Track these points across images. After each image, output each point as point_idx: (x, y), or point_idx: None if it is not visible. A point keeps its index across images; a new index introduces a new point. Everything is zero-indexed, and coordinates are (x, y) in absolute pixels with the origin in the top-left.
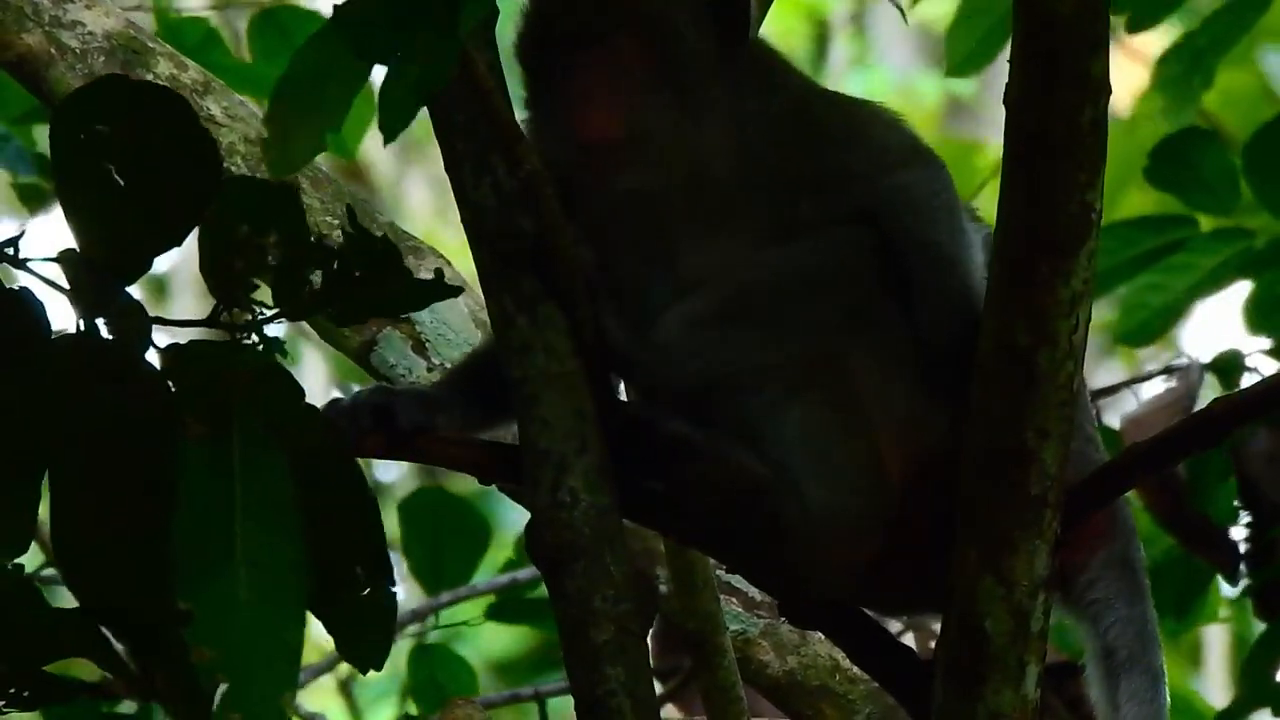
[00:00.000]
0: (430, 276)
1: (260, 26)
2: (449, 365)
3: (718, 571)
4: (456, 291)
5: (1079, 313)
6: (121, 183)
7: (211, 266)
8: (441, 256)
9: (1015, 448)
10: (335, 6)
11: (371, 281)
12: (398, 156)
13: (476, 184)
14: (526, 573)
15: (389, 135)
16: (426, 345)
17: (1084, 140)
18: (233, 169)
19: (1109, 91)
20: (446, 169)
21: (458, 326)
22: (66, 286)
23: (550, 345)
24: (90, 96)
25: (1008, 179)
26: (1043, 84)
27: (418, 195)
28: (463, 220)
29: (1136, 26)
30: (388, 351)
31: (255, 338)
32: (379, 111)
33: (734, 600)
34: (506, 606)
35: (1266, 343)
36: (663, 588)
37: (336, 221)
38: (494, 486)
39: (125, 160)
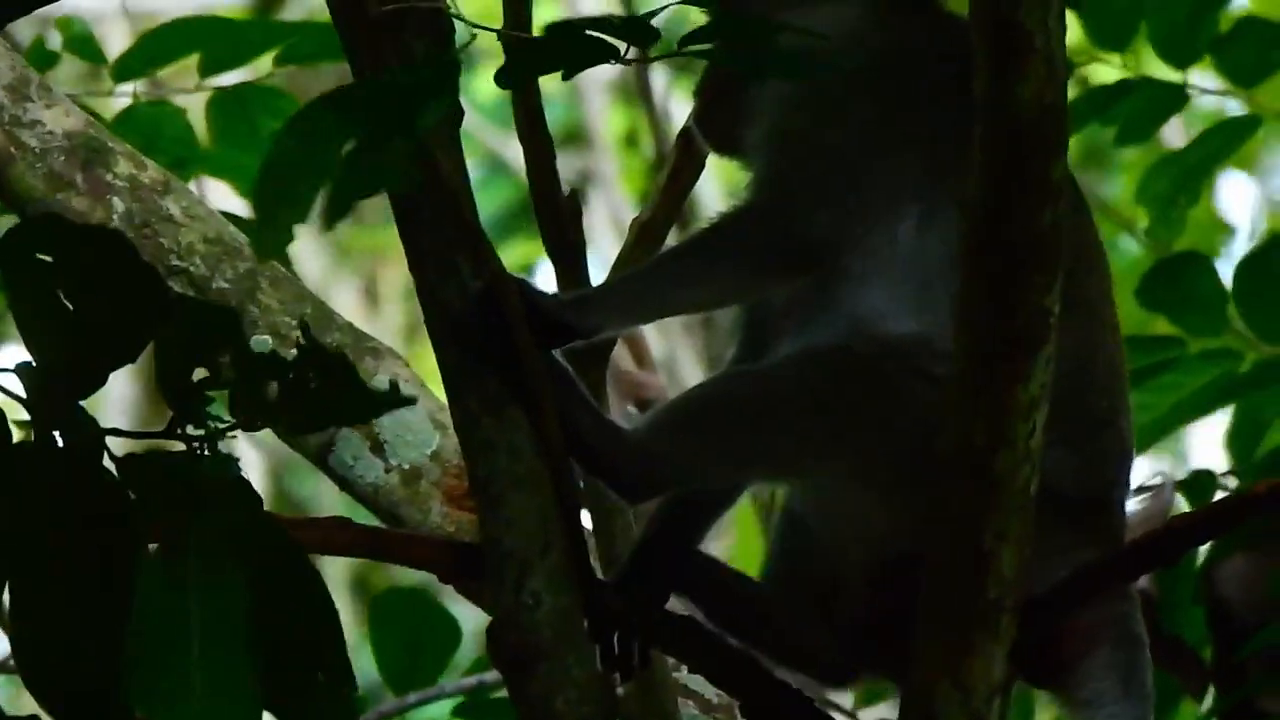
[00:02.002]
0: (387, 381)
1: (220, 106)
2: (407, 467)
3: (675, 673)
4: (411, 400)
5: (1036, 417)
6: (70, 308)
7: (166, 380)
8: (400, 359)
9: (973, 551)
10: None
11: (326, 392)
12: (328, 260)
13: (441, 284)
14: (493, 675)
15: (328, 223)
16: (385, 446)
17: (1042, 243)
18: (191, 269)
19: (1067, 195)
20: (410, 268)
21: (417, 428)
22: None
23: (515, 446)
24: (30, 232)
25: (966, 280)
26: (1003, 187)
27: (344, 300)
28: (426, 320)
29: (1125, 139)
30: (346, 452)
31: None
32: (326, 199)
33: (691, 702)
34: (473, 708)
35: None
36: (619, 689)
37: (294, 322)
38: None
39: (70, 290)
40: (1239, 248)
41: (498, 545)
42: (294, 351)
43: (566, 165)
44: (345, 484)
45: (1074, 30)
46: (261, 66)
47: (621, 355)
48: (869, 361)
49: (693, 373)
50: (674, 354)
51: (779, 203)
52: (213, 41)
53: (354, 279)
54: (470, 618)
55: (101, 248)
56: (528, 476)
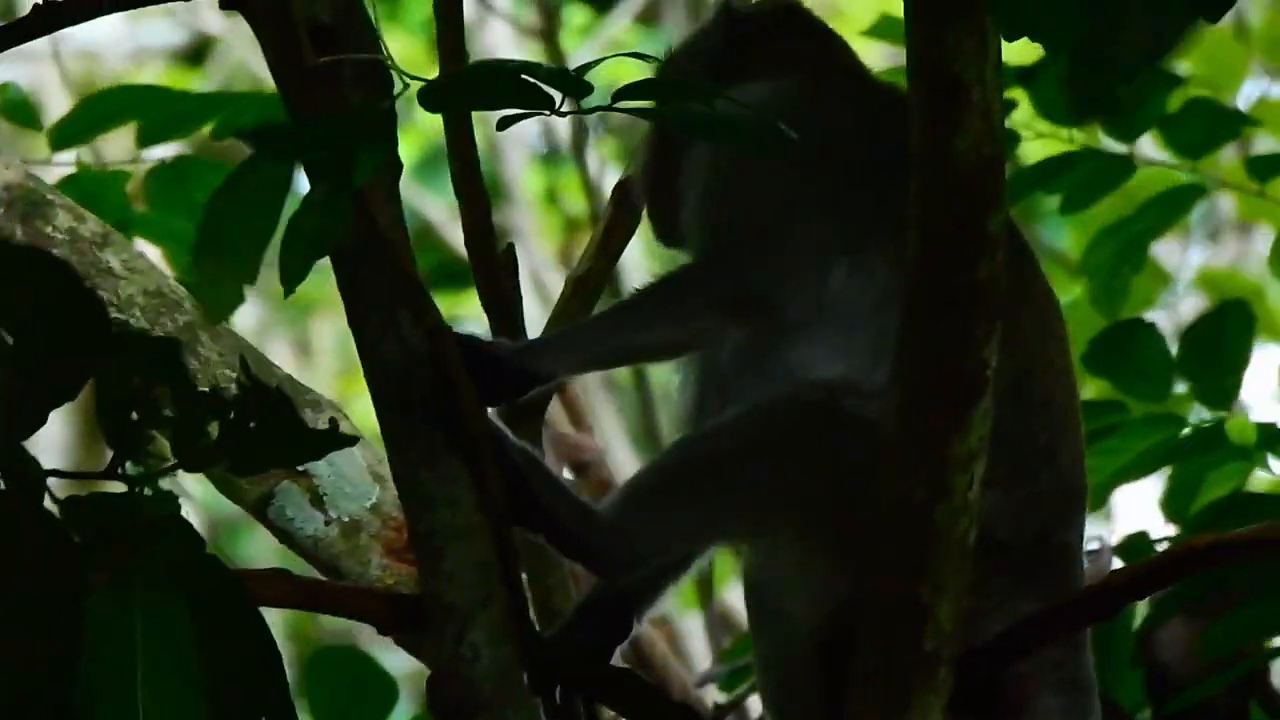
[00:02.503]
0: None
1: (158, 177)
2: (346, 520)
3: None
4: (352, 441)
5: (974, 469)
6: (10, 341)
7: (107, 419)
8: (339, 411)
9: (911, 603)
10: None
11: (267, 432)
12: (262, 312)
13: (381, 338)
14: None
15: (289, 288)
16: (324, 498)
17: (980, 296)
18: (131, 320)
19: (1005, 247)
20: (350, 323)
21: (355, 479)
22: None
23: (455, 499)
24: None
25: (904, 333)
26: (940, 240)
27: (278, 353)
28: (366, 375)
29: (1071, 207)
30: (286, 504)
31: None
32: (280, 265)
33: None
34: None
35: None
36: None
37: (234, 374)
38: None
39: (12, 321)
40: (1175, 299)
41: (438, 598)
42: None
43: None
44: (285, 536)
45: (1022, 105)
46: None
47: (558, 417)
48: (805, 407)
49: (614, 430)
50: (595, 412)
51: (718, 258)
52: (150, 111)
53: (287, 332)
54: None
55: (45, 271)
56: (467, 530)
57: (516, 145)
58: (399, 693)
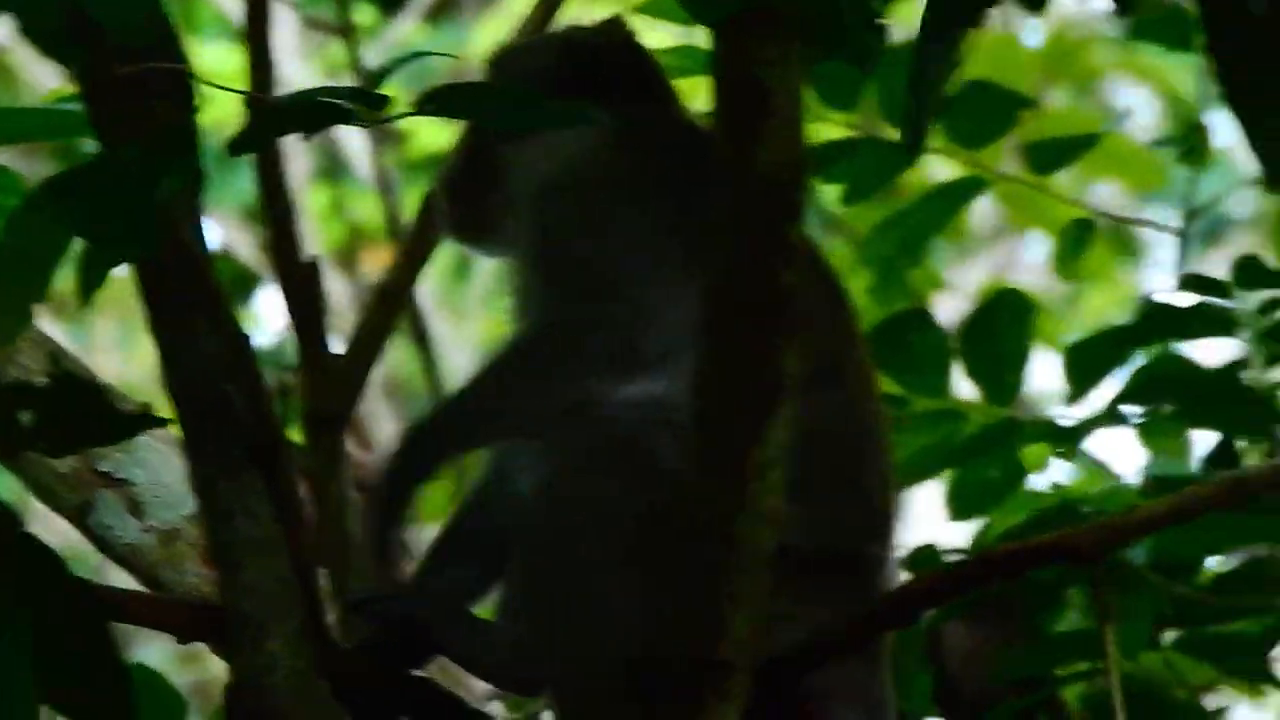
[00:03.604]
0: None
1: None
2: (163, 528)
3: None
4: (162, 422)
5: (774, 478)
6: None
7: None
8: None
9: (709, 613)
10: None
11: (78, 416)
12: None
13: (180, 349)
14: None
15: (84, 297)
16: (142, 506)
17: (782, 304)
18: None
19: (804, 256)
20: (151, 332)
21: (173, 488)
22: None
23: (253, 511)
24: None
25: (707, 342)
26: (744, 248)
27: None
28: (166, 385)
29: (852, 198)
30: (104, 513)
31: None
32: (77, 274)
33: None
34: None
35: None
36: None
37: (38, 368)
38: None
39: None
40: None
41: (237, 608)
42: None
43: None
44: (103, 545)
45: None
46: None
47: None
48: (617, 452)
49: (390, 434)
50: (381, 422)
51: (560, 320)
52: None
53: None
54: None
55: None
56: (266, 541)
57: (296, 153)
58: (186, 707)
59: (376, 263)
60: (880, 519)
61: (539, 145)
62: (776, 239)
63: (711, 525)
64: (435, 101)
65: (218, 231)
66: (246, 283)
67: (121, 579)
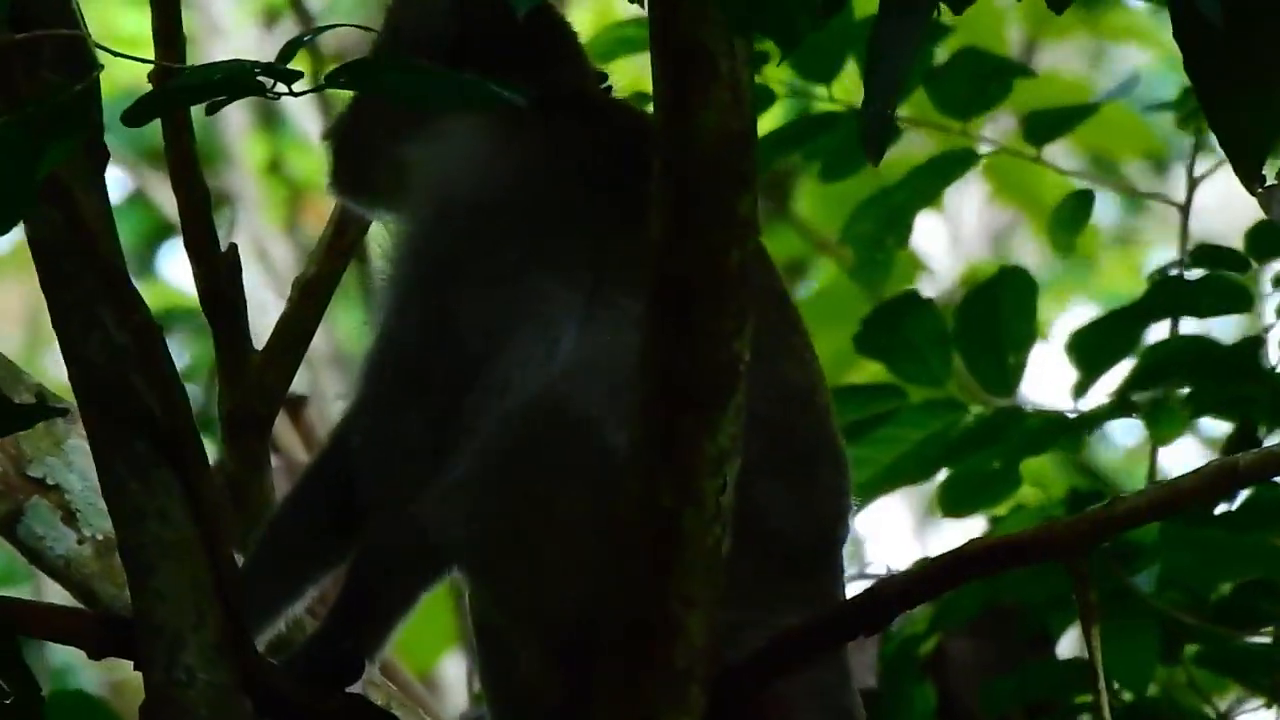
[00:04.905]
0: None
1: None
2: (100, 538)
3: None
4: (62, 412)
5: (727, 472)
6: None
7: None
8: (41, 386)
9: (660, 617)
10: None
11: None
12: None
13: (84, 338)
14: None
15: None
16: (77, 515)
17: (730, 284)
18: None
19: (756, 232)
20: (53, 323)
21: None
22: None
23: (165, 511)
24: None
25: (649, 326)
26: (685, 224)
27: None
28: (71, 379)
29: (831, 175)
30: (35, 522)
31: None
32: None
33: None
34: None
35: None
36: None
37: None
38: None
39: None
40: (935, 288)
41: (148, 618)
42: None
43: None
44: (35, 556)
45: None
46: None
47: (291, 441)
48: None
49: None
50: (318, 387)
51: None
52: None
53: None
54: None
55: None
56: (179, 544)
57: (235, 108)
58: None
59: (319, 220)
60: (840, 516)
61: (439, 130)
62: (724, 213)
63: (654, 521)
64: (347, 74)
65: (129, 180)
66: (161, 233)
67: (56, 593)
